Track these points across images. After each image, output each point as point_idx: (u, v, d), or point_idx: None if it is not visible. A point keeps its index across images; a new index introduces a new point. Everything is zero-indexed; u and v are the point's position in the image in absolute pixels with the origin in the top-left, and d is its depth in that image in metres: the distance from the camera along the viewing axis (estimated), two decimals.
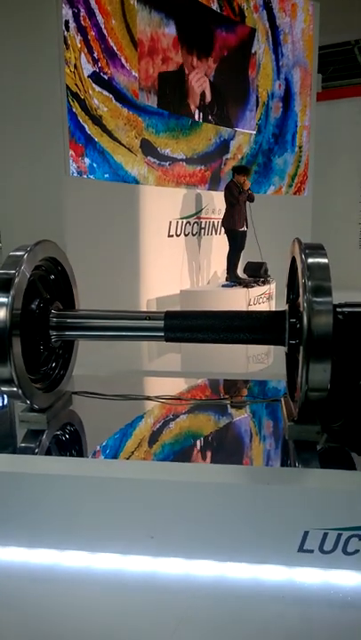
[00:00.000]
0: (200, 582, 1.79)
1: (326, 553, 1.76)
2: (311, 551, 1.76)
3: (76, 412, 2.58)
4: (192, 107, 7.21)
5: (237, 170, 6.97)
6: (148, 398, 2.73)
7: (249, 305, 6.60)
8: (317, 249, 1.94)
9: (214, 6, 7.32)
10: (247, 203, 6.94)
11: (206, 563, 1.84)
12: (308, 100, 9.07)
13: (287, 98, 8.80)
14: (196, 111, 7.29)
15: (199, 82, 7.27)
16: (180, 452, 2.18)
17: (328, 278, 1.84)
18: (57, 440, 2.27)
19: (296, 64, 8.82)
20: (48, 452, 2.15)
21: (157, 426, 2.47)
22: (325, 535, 1.74)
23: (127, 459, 2.10)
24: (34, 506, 1.91)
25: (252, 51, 8.11)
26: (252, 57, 8.14)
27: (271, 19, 8.31)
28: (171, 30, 6.65)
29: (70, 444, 2.31)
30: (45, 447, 2.18)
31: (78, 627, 1.66)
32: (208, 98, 7.45)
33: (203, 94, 7.36)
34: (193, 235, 7.55)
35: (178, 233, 7.23)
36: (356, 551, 1.74)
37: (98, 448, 2.23)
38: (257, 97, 8.32)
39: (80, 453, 2.23)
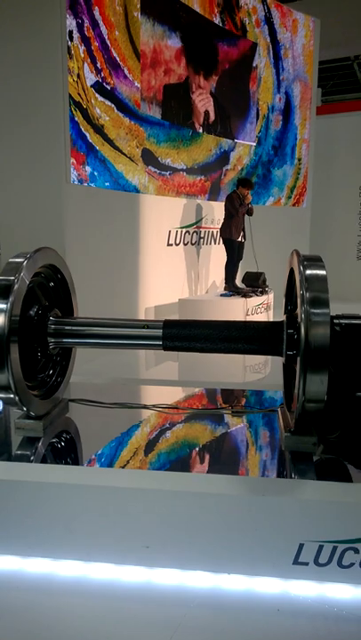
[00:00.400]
0: (195, 593, 1.78)
1: (321, 566, 1.75)
2: (306, 564, 1.76)
3: (73, 420, 2.57)
4: (196, 125, 7.30)
5: (242, 182, 7.00)
6: (145, 407, 2.72)
7: (247, 315, 6.61)
8: (316, 261, 1.95)
9: (216, 20, 7.40)
10: (246, 216, 6.99)
11: (201, 574, 1.84)
12: (307, 114, 9.14)
13: (287, 111, 8.87)
14: (200, 128, 7.37)
15: (203, 101, 7.34)
16: (176, 462, 2.18)
17: (326, 290, 1.85)
18: (53, 448, 2.26)
19: (296, 78, 8.90)
20: (44, 460, 2.14)
21: (154, 435, 2.47)
22: (321, 548, 1.74)
23: (123, 467, 2.09)
24: (28, 514, 1.90)
25: (254, 64, 8.19)
26: (254, 70, 8.21)
27: (272, 33, 8.40)
28: (174, 43, 6.72)
29: (66, 451, 2.30)
30: (41, 455, 2.17)
31: (73, 636, 1.64)
32: (212, 117, 7.54)
33: (207, 113, 7.44)
34: (192, 244, 7.58)
35: (177, 242, 7.25)
36: (352, 564, 1.73)
37: (93, 456, 2.23)
38: (257, 110, 8.39)
39: (76, 461, 2.22)
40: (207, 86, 7.39)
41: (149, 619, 1.70)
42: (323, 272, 1.90)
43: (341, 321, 2.07)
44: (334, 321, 2.05)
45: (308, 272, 1.89)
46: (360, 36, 10.22)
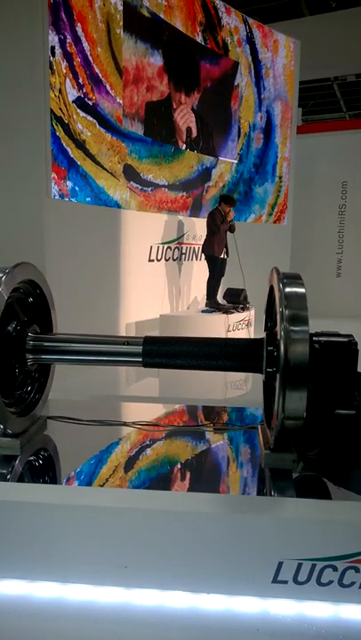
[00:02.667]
0: (174, 614, 1.76)
1: (300, 584, 1.74)
2: (285, 582, 1.74)
3: (51, 438, 2.54)
4: (180, 142, 7.38)
5: (225, 199, 7.06)
6: (125, 424, 2.70)
7: (228, 331, 6.63)
8: (295, 278, 1.97)
9: (199, 39, 7.52)
10: (228, 232, 7.05)
11: (180, 594, 1.81)
12: (288, 133, 9.31)
13: (268, 130, 9.02)
14: (183, 145, 7.45)
15: (185, 117, 7.43)
16: (156, 480, 2.16)
17: (305, 308, 1.87)
18: (30, 466, 2.22)
19: (277, 97, 9.07)
20: (21, 479, 2.10)
21: (133, 452, 2.44)
22: (300, 566, 1.73)
23: (102, 486, 2.06)
24: (4, 534, 1.86)
25: (235, 83, 8.32)
26: (235, 89, 8.35)
27: (254, 53, 8.56)
28: (156, 60, 6.80)
29: (44, 470, 2.26)
30: (18, 473, 2.13)
31: None
32: (194, 133, 7.62)
33: (189, 129, 7.53)
34: (174, 260, 7.60)
35: (159, 258, 7.27)
36: (330, 582, 1.73)
37: (72, 474, 2.19)
38: (239, 127, 8.51)
39: (54, 480, 2.19)
40: (188, 102, 7.48)
41: None
42: (302, 290, 1.92)
43: (321, 338, 2.08)
44: (313, 338, 2.07)
45: (287, 290, 1.91)
46: (340, 58, 10.47)
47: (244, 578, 1.77)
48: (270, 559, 1.74)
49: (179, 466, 2.30)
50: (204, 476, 2.29)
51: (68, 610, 1.79)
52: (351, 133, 10.57)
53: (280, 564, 1.74)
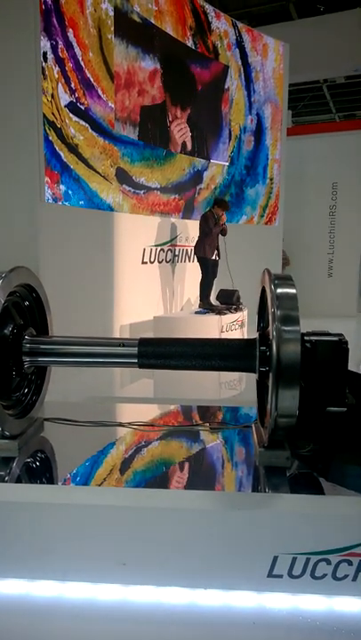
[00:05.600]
0: (171, 609, 1.79)
1: (295, 578, 1.78)
2: (280, 576, 1.78)
3: (48, 439, 2.56)
4: (173, 151, 7.43)
5: (219, 203, 7.11)
6: (121, 424, 2.73)
7: (222, 332, 6.67)
8: (286, 279, 2.02)
9: (189, 43, 7.58)
10: (220, 235, 7.10)
11: (178, 590, 1.85)
12: (278, 135, 9.38)
13: (259, 132, 9.09)
14: (178, 152, 7.52)
15: (181, 132, 7.49)
16: (152, 479, 2.19)
17: (296, 308, 1.91)
18: (28, 467, 2.25)
19: (267, 100, 9.14)
20: (18, 480, 2.13)
21: (129, 452, 2.48)
22: (294, 560, 1.77)
23: (99, 486, 2.09)
24: (3, 534, 1.88)
25: (226, 86, 8.39)
26: (226, 92, 8.41)
27: (243, 57, 8.63)
28: (147, 64, 6.85)
29: (41, 471, 2.29)
30: (16, 475, 2.16)
31: None
32: (188, 147, 7.68)
33: (184, 144, 7.59)
34: (167, 262, 7.64)
35: (152, 260, 7.31)
36: (324, 575, 1.77)
37: (69, 475, 2.22)
38: (230, 130, 8.57)
39: (51, 481, 2.22)
40: (184, 116, 7.55)
41: (126, 637, 1.70)
42: (293, 290, 1.96)
43: (312, 338, 2.13)
44: (305, 338, 2.11)
45: (278, 291, 1.95)
46: (329, 61, 10.58)
47: (240, 573, 1.81)
48: (265, 554, 1.78)
49: (175, 465, 2.34)
50: (200, 474, 2.33)
51: (66, 608, 1.82)
52: (341, 135, 10.67)
53: (275, 558, 1.78)
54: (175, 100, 7.36)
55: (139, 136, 6.72)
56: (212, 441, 2.60)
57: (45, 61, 5.21)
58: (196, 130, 7.87)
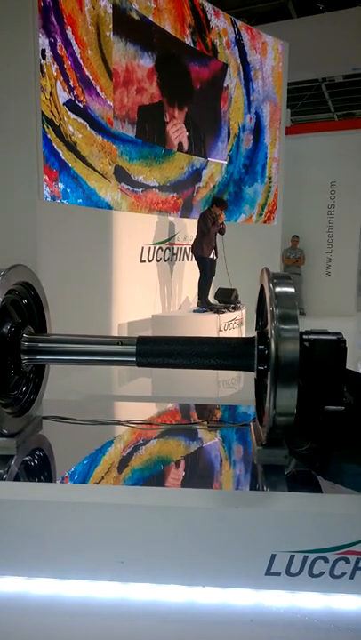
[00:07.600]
0: (170, 607, 1.80)
1: (293, 575, 1.79)
2: (278, 574, 1.79)
3: (46, 437, 2.57)
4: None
5: (217, 202, 7.11)
6: (119, 423, 2.73)
7: (220, 330, 6.67)
8: (285, 279, 2.02)
9: (188, 41, 7.56)
10: (217, 234, 7.10)
11: (176, 587, 1.85)
12: (277, 134, 9.37)
13: (257, 131, 9.08)
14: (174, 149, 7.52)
15: (177, 132, 7.48)
16: (150, 477, 2.20)
17: (295, 307, 1.92)
18: (26, 465, 2.25)
19: (266, 99, 9.14)
20: (17, 478, 2.13)
21: (127, 451, 2.48)
22: (292, 558, 1.77)
23: (97, 484, 2.10)
24: (2, 532, 1.89)
25: (225, 84, 8.37)
26: (224, 90, 8.40)
27: (242, 55, 8.62)
28: (146, 62, 6.83)
29: (40, 469, 2.29)
30: (14, 473, 2.16)
31: None
32: (185, 148, 7.67)
33: (180, 144, 7.58)
34: (165, 260, 7.64)
35: (150, 258, 7.30)
36: (322, 573, 1.78)
37: (67, 473, 2.23)
38: (228, 129, 8.56)
39: (49, 479, 2.22)
40: (181, 117, 7.54)
41: (124, 634, 1.70)
42: (291, 289, 1.97)
43: (310, 336, 2.13)
44: (303, 337, 2.11)
45: (277, 289, 1.96)
46: (328, 60, 10.57)
47: (238, 570, 1.82)
48: (263, 552, 1.79)
49: (172, 463, 2.34)
50: (199, 472, 2.33)
51: (65, 605, 1.83)
52: (339, 134, 10.67)
53: (273, 556, 1.78)
54: (173, 98, 7.35)
55: (136, 135, 6.71)
56: (211, 439, 2.61)
57: (44, 59, 5.19)
58: (194, 128, 7.86)
